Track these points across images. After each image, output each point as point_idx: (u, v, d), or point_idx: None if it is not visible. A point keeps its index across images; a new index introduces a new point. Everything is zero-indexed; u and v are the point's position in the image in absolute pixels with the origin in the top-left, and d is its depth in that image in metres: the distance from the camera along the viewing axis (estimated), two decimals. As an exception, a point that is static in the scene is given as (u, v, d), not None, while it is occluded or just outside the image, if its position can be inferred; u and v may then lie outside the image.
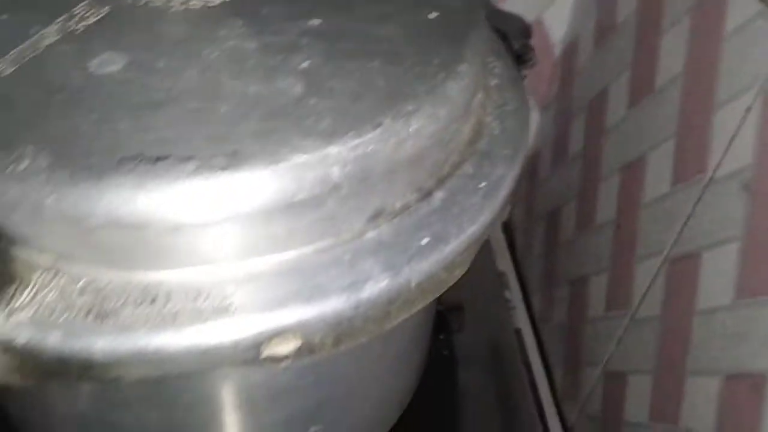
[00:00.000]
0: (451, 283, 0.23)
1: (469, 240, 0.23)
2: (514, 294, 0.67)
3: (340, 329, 0.21)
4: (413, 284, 0.21)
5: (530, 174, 0.67)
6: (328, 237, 0.21)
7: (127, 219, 0.19)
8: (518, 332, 0.63)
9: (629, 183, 0.48)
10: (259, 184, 0.19)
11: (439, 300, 0.33)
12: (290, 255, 0.21)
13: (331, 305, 0.20)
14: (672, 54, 0.43)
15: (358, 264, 0.21)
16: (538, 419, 0.55)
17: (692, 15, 0.41)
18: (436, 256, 0.22)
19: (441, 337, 0.45)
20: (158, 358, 0.19)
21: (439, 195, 0.23)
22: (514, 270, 0.68)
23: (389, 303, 0.21)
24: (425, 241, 0.22)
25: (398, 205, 0.22)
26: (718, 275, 0.38)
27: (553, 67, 0.59)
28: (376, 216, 0.22)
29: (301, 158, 0.19)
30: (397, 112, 0.21)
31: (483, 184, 0.23)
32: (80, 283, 0.20)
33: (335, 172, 0.20)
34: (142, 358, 0.19)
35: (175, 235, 0.19)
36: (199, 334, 0.19)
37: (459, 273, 0.23)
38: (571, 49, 0.57)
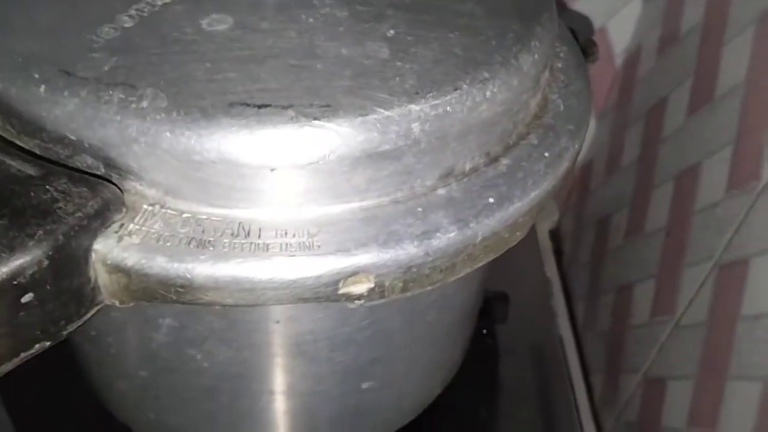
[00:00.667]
0: (511, 244, 0.25)
1: (531, 203, 0.24)
2: (558, 301, 0.67)
3: (410, 274, 0.22)
4: (479, 238, 0.23)
5: (581, 183, 0.68)
6: (404, 189, 0.23)
7: (231, 157, 0.21)
8: (560, 339, 0.64)
9: (683, 190, 0.49)
10: (348, 134, 0.21)
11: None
12: (369, 203, 0.23)
13: (404, 251, 0.22)
14: (734, 63, 0.44)
15: (430, 216, 0.23)
16: (577, 421, 0.56)
17: (756, 26, 0.42)
18: (500, 215, 0.23)
19: (484, 326, 0.46)
20: (250, 285, 0.21)
21: (505, 161, 0.25)
22: (559, 277, 0.69)
23: (455, 254, 0.23)
24: (491, 200, 0.23)
25: (468, 166, 0.24)
26: (765, 281, 0.39)
27: (613, 76, 0.60)
28: (447, 174, 0.24)
29: (386, 113, 0.21)
30: (474, 78, 0.23)
31: (547, 154, 0.25)
32: (183, 216, 0.22)
33: (416, 127, 0.22)
34: (236, 283, 0.21)
35: (270, 175, 0.21)
36: (287, 266, 0.21)
37: (520, 235, 0.25)
38: (633, 58, 0.58)
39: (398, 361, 0.32)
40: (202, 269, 0.21)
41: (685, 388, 0.46)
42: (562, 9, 0.33)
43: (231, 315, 0.26)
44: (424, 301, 0.28)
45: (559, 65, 0.29)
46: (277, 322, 0.26)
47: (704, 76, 0.47)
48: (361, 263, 0.22)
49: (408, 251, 0.22)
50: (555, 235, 0.73)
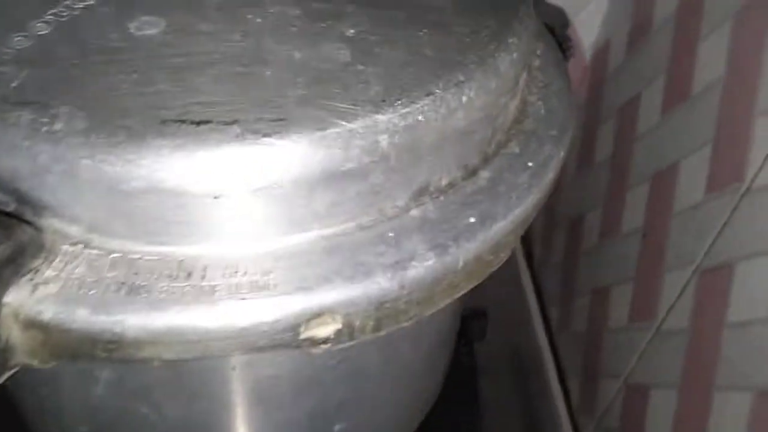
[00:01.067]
0: (494, 267, 0.22)
1: (516, 221, 0.22)
2: (531, 304, 0.66)
3: (383, 311, 0.20)
4: (460, 264, 0.20)
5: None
6: (372, 212, 0.20)
7: (166, 184, 0.18)
8: (538, 348, 0.62)
9: (660, 191, 0.47)
10: (306, 152, 0.18)
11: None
12: (332, 230, 0.20)
13: (375, 284, 0.19)
14: (711, 59, 0.42)
15: (403, 242, 0.20)
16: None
17: (734, 21, 0.40)
18: (483, 236, 0.21)
19: (463, 344, 0.44)
20: (193, 336, 0.18)
21: (485, 174, 0.22)
22: (531, 279, 0.67)
23: (434, 284, 0.20)
24: (472, 219, 0.21)
25: (444, 182, 0.21)
26: (753, 287, 0.37)
27: (582, 72, 0.58)
28: (421, 192, 0.21)
29: (348, 125, 0.18)
30: (448, 81, 0.20)
31: (530, 164, 0.23)
32: (112, 257, 0.19)
33: (384, 140, 0.19)
34: (176, 335, 0.18)
35: (214, 204, 0.18)
36: (237, 311, 0.18)
37: (504, 257, 0.22)
38: (602, 53, 0.56)
39: (372, 399, 0.29)
40: (134, 321, 0.18)
41: (669, 397, 0.44)
42: (535, 1, 0.31)
43: (179, 364, 0.22)
44: (398, 333, 0.25)
45: (537, 63, 0.26)
46: (234, 368, 0.23)
47: (679, 73, 0.45)
48: (325, 302, 0.19)
49: (380, 285, 0.19)
50: (525, 236, 0.71)
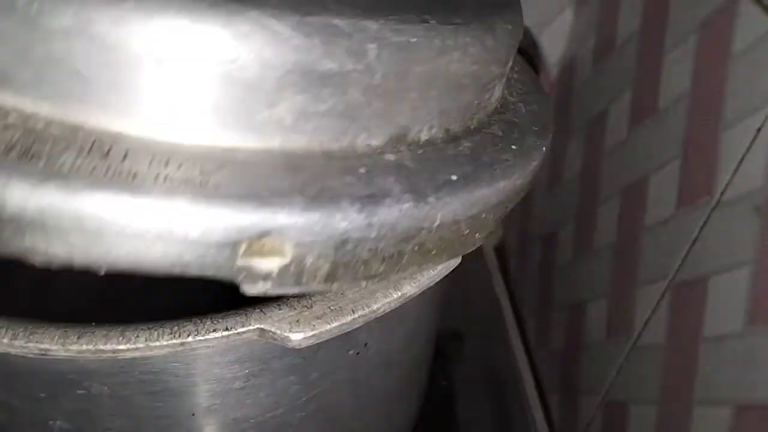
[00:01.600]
0: (468, 248, 0.20)
1: (499, 194, 0.19)
2: (507, 319, 0.65)
3: (342, 253, 0.16)
4: (437, 221, 0.17)
5: (523, 198, 0.66)
6: (343, 141, 0.17)
7: (98, 27, 0.14)
8: (515, 367, 0.62)
9: (630, 206, 0.47)
10: (282, 32, 0.15)
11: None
12: (296, 147, 0.16)
13: (341, 213, 0.16)
14: (676, 73, 0.42)
15: (376, 179, 0.17)
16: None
17: (698, 34, 0.40)
18: (464, 197, 0.18)
19: (440, 366, 0.43)
20: (95, 227, 0.14)
21: (466, 143, 0.20)
22: (507, 295, 0.67)
23: (406, 236, 0.17)
24: (453, 177, 0.18)
25: (424, 136, 0.19)
26: (727, 301, 0.37)
27: (549, 88, 0.58)
28: (399, 139, 0.18)
29: (336, 20, 0.15)
30: (445, 18, 0.18)
31: (514, 147, 0.21)
32: (9, 119, 0.14)
33: (372, 49, 0.16)
34: (72, 220, 0.14)
35: (155, 71, 0.14)
36: (161, 205, 0.14)
37: (479, 238, 0.20)
38: (568, 69, 0.56)
39: (348, 429, 0.28)
40: (19, 189, 0.13)
41: (649, 413, 0.44)
42: None
43: (134, 410, 0.20)
44: (372, 361, 0.24)
45: (515, 76, 0.26)
46: (193, 414, 0.21)
47: (645, 87, 0.45)
48: (277, 220, 0.15)
49: (345, 215, 0.16)
50: (500, 252, 0.70)
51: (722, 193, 0.38)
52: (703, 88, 0.40)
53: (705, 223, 0.39)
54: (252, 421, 0.23)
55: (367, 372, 0.25)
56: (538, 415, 0.58)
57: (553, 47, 0.56)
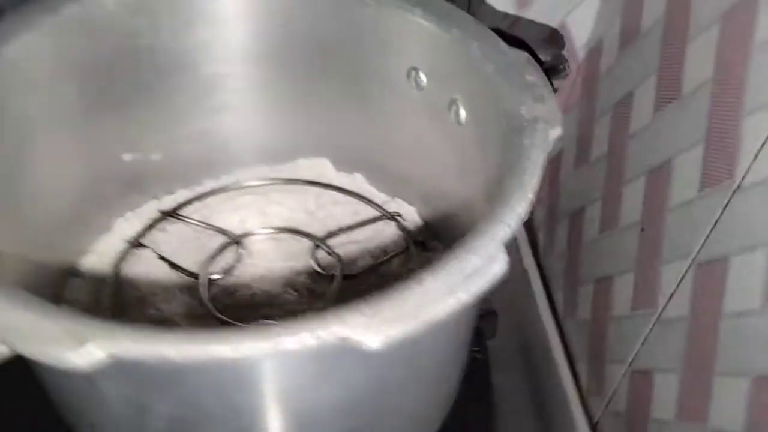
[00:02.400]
0: None
1: None
2: (536, 291, 0.68)
3: None
4: None
5: (551, 175, 0.67)
6: None
7: None
8: (545, 336, 0.64)
9: (655, 186, 0.49)
10: None
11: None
12: None
13: None
14: (699, 61, 0.44)
15: None
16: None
17: (721, 23, 0.42)
18: None
19: (474, 345, 0.46)
20: None
21: None
22: (536, 267, 0.69)
23: None
24: None
25: None
26: (746, 280, 0.39)
27: (576, 70, 0.60)
28: None
29: None
30: None
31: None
32: None
33: None
34: None
35: None
36: None
37: None
38: (595, 52, 0.58)
39: (395, 405, 0.31)
40: None
41: (672, 382, 0.46)
42: (516, 21, 0.32)
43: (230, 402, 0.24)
44: (427, 351, 0.27)
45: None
46: (274, 404, 0.24)
47: (670, 73, 0.47)
48: None
49: None
50: (529, 226, 0.73)
51: (743, 178, 0.40)
52: (725, 76, 0.41)
53: (726, 206, 0.41)
54: (327, 410, 0.26)
55: (423, 361, 0.28)
56: (568, 381, 0.61)
57: (580, 31, 0.57)
